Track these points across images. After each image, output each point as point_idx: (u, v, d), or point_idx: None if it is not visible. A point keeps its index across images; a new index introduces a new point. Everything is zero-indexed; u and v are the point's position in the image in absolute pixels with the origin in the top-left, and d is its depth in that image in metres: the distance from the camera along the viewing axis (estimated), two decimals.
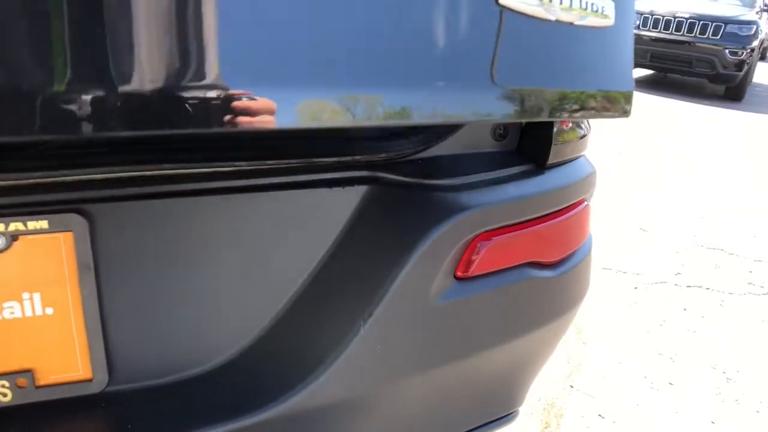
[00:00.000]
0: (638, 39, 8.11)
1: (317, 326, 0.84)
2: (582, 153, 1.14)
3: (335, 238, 0.86)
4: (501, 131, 1.02)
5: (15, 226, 0.69)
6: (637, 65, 8.32)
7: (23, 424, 0.73)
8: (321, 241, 0.86)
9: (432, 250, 0.85)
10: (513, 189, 0.94)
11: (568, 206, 1.04)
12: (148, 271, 0.77)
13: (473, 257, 0.91)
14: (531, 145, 1.02)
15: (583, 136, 1.11)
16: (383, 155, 0.88)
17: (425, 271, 0.85)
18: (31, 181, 0.70)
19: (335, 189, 0.84)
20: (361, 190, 0.86)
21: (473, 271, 0.91)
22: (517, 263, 0.97)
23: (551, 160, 1.01)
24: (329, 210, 0.85)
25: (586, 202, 1.11)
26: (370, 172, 0.87)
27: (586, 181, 1.10)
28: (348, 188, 0.85)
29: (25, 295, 0.71)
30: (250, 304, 0.84)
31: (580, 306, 1.16)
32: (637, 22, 8.34)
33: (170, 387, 0.80)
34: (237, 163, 0.79)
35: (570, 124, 1.06)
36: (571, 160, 1.08)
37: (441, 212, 0.86)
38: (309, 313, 0.85)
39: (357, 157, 0.87)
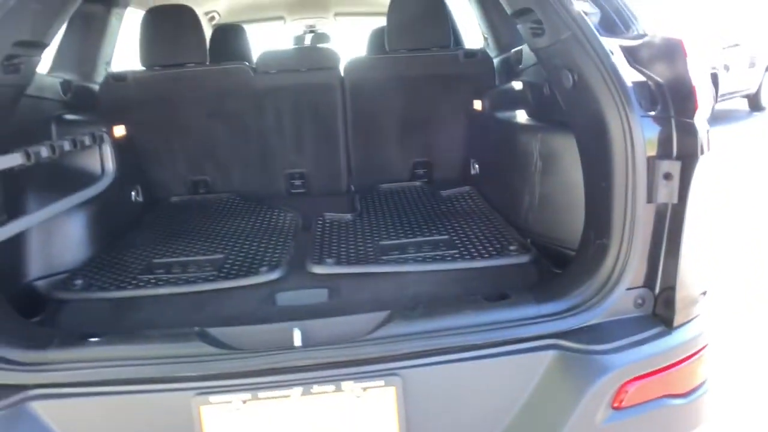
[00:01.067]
0: None
1: None
2: (703, 312, 1.57)
3: (531, 388, 1.38)
4: (640, 301, 1.49)
5: (366, 384, 1.30)
6: None
7: None
8: (522, 389, 1.39)
9: (598, 392, 1.35)
10: (650, 348, 1.41)
11: (693, 353, 1.48)
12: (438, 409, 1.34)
13: (624, 395, 1.39)
14: (663, 311, 1.48)
15: (701, 301, 1.54)
16: (565, 328, 1.40)
17: (594, 405, 1.35)
18: (376, 356, 1.31)
19: (536, 353, 1.37)
20: (550, 354, 1.38)
21: (625, 404, 1.39)
22: (656, 396, 1.43)
23: (678, 323, 1.46)
24: (529, 367, 1.38)
25: (707, 346, 1.54)
26: (555, 340, 1.39)
27: (707, 332, 1.53)
28: (542, 353, 1.38)
29: (372, 427, 1.31)
30: None
31: (707, 421, 1.57)
32: None
33: None
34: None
35: (691, 293, 1.50)
36: (694, 318, 1.52)
37: (602, 368, 1.36)
38: None
39: (549, 332, 1.39)
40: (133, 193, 2.59)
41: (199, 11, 4.03)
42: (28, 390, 1.33)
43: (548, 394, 1.38)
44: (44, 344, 1.39)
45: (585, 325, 1.43)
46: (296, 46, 4.12)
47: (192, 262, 1.96)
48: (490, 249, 1.87)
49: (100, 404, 1.35)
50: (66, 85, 2.33)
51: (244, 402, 1.31)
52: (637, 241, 1.42)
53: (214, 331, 1.43)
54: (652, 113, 1.43)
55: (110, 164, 2.28)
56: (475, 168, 2.73)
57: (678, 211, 1.41)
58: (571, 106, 1.65)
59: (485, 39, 3.02)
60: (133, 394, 1.34)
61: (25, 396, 1.33)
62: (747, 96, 10.85)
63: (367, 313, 1.47)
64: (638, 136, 1.38)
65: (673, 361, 1.44)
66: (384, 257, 1.85)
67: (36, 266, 1.92)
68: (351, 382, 1.30)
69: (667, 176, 1.39)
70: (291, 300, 1.68)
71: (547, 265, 1.82)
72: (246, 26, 4.48)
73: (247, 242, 2.12)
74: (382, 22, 4.96)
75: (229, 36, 3.95)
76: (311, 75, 2.71)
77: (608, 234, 1.46)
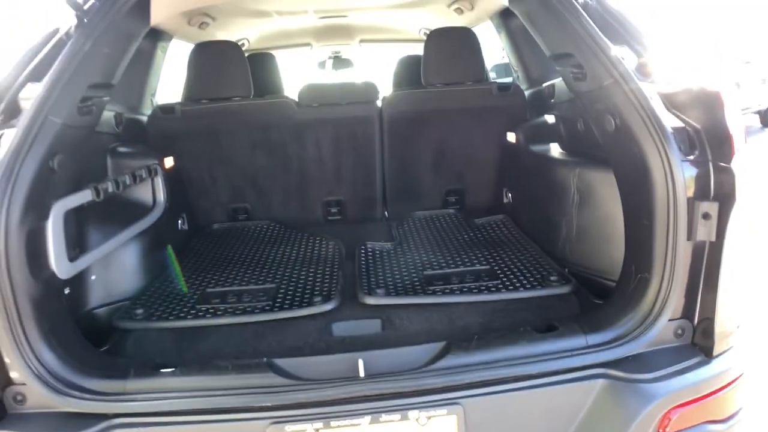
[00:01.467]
0: None
1: None
2: (739, 342, 1.66)
3: (582, 414, 1.48)
4: (680, 332, 1.59)
5: (430, 412, 1.40)
6: None
7: None
8: (574, 415, 1.48)
9: (646, 419, 1.44)
10: (692, 376, 1.51)
11: (731, 381, 1.57)
12: None
13: (668, 422, 1.48)
14: (701, 340, 1.58)
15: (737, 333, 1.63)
16: (612, 358, 1.50)
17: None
18: (439, 386, 1.41)
19: (586, 382, 1.47)
20: (599, 382, 1.48)
21: (670, 430, 1.48)
22: (698, 423, 1.52)
23: (716, 352, 1.56)
24: (579, 395, 1.48)
25: (743, 374, 1.63)
26: (603, 370, 1.49)
27: (743, 361, 1.62)
28: (592, 381, 1.47)
29: None
30: None
31: None
32: None
33: None
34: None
35: (728, 324, 1.59)
36: (731, 348, 1.61)
37: (648, 397, 1.46)
38: None
39: (597, 361, 1.49)
40: (179, 221, 2.72)
41: (232, 39, 4.21)
42: (110, 419, 1.44)
43: (599, 421, 1.47)
44: (122, 375, 1.50)
45: (630, 354, 1.53)
46: (338, 83, 4.28)
47: (246, 292, 2.07)
48: (532, 280, 1.97)
49: None
50: (118, 117, 2.46)
51: (317, 430, 1.41)
52: (677, 275, 1.52)
53: (281, 362, 1.54)
54: (691, 157, 1.53)
55: (161, 195, 2.41)
56: (508, 197, 2.84)
57: (716, 248, 1.51)
58: (612, 147, 1.76)
59: (515, 72, 3.14)
60: (209, 423, 1.44)
61: (109, 424, 1.43)
62: (758, 112, 11.16)
63: (424, 345, 1.57)
64: (679, 179, 1.49)
65: (714, 389, 1.53)
66: (430, 288, 1.96)
67: (96, 295, 2.03)
68: (416, 411, 1.40)
69: (706, 216, 1.50)
70: (347, 330, 1.79)
71: (587, 295, 1.91)
72: (273, 51, 4.66)
73: (296, 271, 2.23)
74: (404, 48, 5.13)
75: (261, 64, 4.11)
76: (351, 108, 2.82)
77: (650, 268, 1.56)
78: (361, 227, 2.88)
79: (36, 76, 1.64)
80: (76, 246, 1.80)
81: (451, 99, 2.80)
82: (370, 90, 2.90)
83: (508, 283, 1.96)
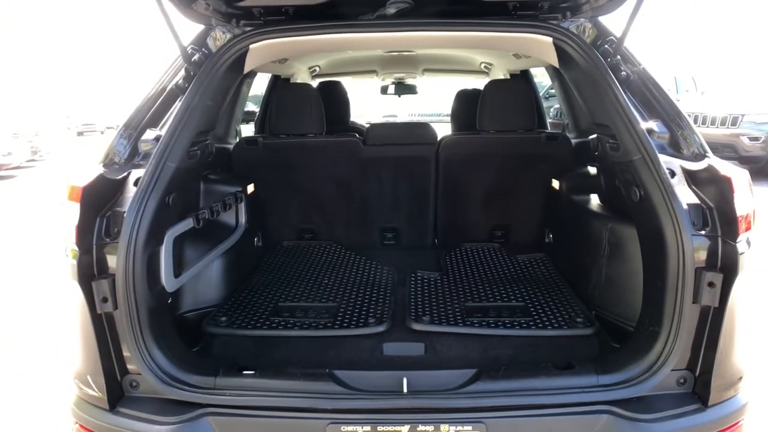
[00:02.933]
0: None
1: None
2: (738, 393, 1.88)
3: None
4: (682, 381, 1.83)
5: (459, 427, 1.71)
6: None
7: None
8: None
9: None
10: (687, 421, 1.75)
11: (725, 428, 1.80)
12: None
13: None
14: (701, 390, 1.81)
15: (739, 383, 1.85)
16: (618, 398, 1.76)
17: None
18: (467, 407, 1.72)
19: (593, 416, 1.74)
20: (604, 417, 1.74)
21: None
22: None
23: (712, 402, 1.79)
24: (586, 427, 1.75)
25: (740, 422, 1.85)
26: (609, 407, 1.75)
27: (740, 411, 1.84)
28: (598, 416, 1.74)
29: None
30: None
31: None
32: None
33: None
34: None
35: (727, 378, 1.82)
36: (729, 399, 1.84)
37: None
38: None
39: (605, 399, 1.76)
40: (255, 239, 3.12)
41: (303, 67, 4.63)
42: (203, 407, 1.80)
43: None
44: (212, 372, 1.86)
45: (635, 396, 1.78)
46: (401, 122, 4.69)
47: (311, 308, 2.43)
48: (560, 319, 2.25)
49: (254, 425, 1.79)
50: (209, 147, 2.85)
51: None
52: (682, 332, 1.76)
53: (340, 373, 1.88)
54: (703, 232, 1.78)
55: (243, 218, 2.81)
56: (549, 237, 3.11)
57: (718, 313, 1.75)
58: (636, 214, 2.02)
59: (564, 121, 3.40)
60: (280, 419, 1.78)
61: (202, 412, 1.80)
62: None
63: (459, 370, 1.88)
64: (689, 251, 1.73)
65: None
66: (470, 319, 2.26)
67: (188, 301, 2.44)
68: (447, 425, 1.71)
69: (711, 284, 1.73)
70: (395, 351, 2.11)
71: (607, 338, 2.17)
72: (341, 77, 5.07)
73: (354, 292, 2.58)
74: (464, 80, 5.44)
75: (332, 92, 4.52)
76: (411, 149, 3.18)
77: (660, 323, 1.81)
78: (412, 254, 3.21)
79: (152, 122, 2.04)
80: (178, 264, 2.19)
81: (502, 145, 3.10)
82: (429, 133, 3.24)
83: (539, 321, 2.24)
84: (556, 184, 2.98)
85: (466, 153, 3.18)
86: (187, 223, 2.19)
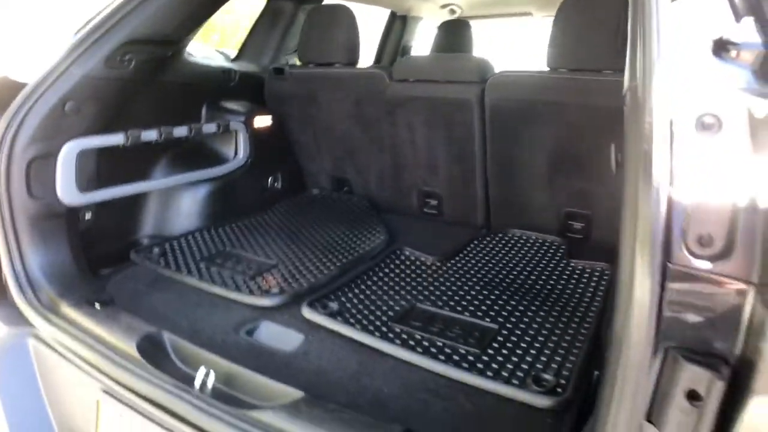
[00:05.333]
0: None
1: None
2: None
3: None
4: None
5: None
6: None
7: None
8: None
9: None
10: None
11: None
12: None
13: None
14: None
15: None
16: None
17: None
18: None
19: None
20: None
21: None
22: None
23: None
24: None
25: None
26: None
27: None
28: None
29: None
30: None
31: None
32: None
33: None
34: None
35: None
36: None
37: None
38: None
39: None
40: (270, 179, 2.81)
41: (434, 5, 4.03)
42: (32, 328, 1.66)
43: None
44: (72, 299, 1.71)
45: None
46: (439, 53, 3.73)
47: (252, 261, 2.06)
48: (521, 371, 1.43)
49: (60, 363, 1.60)
50: (227, 73, 2.58)
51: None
52: None
53: (172, 339, 1.54)
54: None
55: (243, 151, 2.52)
56: None
57: None
58: None
59: None
60: (84, 366, 1.53)
61: (31, 332, 1.66)
62: None
63: (283, 385, 1.35)
64: None
65: None
66: (393, 325, 1.63)
67: (145, 227, 2.28)
68: None
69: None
70: (262, 334, 1.64)
71: None
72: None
73: (307, 256, 2.14)
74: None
75: (454, 31, 3.88)
76: (450, 88, 2.36)
77: None
78: (451, 231, 2.54)
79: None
80: (94, 179, 1.98)
81: (578, 91, 2.08)
82: (471, 67, 2.35)
83: (490, 365, 1.45)
84: None
85: (522, 98, 2.23)
86: (108, 139, 1.98)
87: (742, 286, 0.76)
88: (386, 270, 2.05)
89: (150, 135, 2.08)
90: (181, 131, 2.20)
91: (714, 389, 0.75)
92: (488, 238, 2.43)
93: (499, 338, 1.58)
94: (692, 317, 0.79)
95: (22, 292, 1.72)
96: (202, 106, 2.45)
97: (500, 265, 2.16)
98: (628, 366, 0.82)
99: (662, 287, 0.78)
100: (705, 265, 0.77)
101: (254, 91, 2.77)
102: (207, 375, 1.37)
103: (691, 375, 0.76)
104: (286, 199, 2.85)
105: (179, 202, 2.35)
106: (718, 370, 0.75)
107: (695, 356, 0.77)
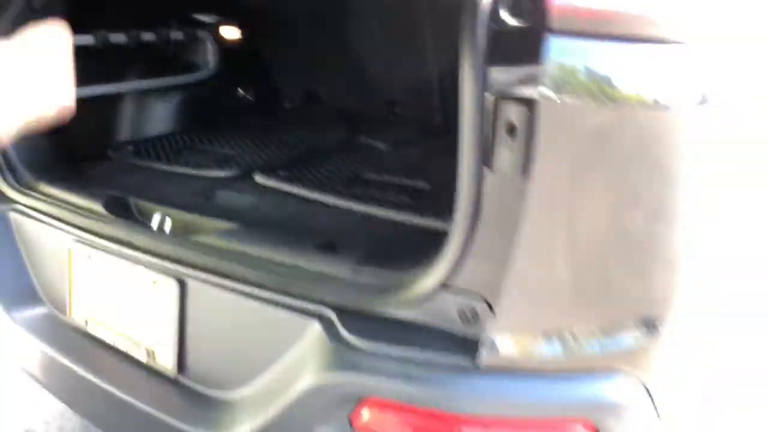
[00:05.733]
0: None
1: None
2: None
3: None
4: (468, 315, 1.15)
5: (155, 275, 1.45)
6: None
7: None
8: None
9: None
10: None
11: None
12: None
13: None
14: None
15: None
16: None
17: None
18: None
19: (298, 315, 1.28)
20: (313, 325, 1.26)
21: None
22: None
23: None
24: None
25: None
26: (328, 312, 1.26)
27: None
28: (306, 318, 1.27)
29: None
30: None
31: None
32: None
33: None
34: None
35: None
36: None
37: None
38: None
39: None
40: (240, 90, 2.91)
41: None
42: (13, 203, 1.83)
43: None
44: (51, 178, 1.85)
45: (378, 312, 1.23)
46: None
47: (218, 152, 2.22)
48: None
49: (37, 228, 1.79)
50: None
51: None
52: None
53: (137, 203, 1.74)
54: None
55: (211, 60, 2.63)
56: None
57: None
58: None
59: None
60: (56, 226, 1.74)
61: (10, 207, 1.83)
62: None
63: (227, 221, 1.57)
64: None
65: None
66: (346, 189, 1.81)
67: (123, 130, 2.40)
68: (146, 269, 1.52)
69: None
70: (222, 197, 1.83)
71: None
72: None
73: (267, 148, 2.27)
74: None
75: None
76: None
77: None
78: (413, 135, 2.56)
79: None
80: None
81: None
82: None
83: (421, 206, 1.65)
84: None
85: None
86: (79, 39, 2.08)
87: None
88: (341, 154, 2.21)
89: (119, 38, 2.18)
90: (149, 36, 2.31)
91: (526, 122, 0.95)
92: None
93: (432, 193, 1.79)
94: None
95: (3, 176, 1.86)
96: (171, 16, 2.51)
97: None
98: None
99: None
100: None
101: (223, 2, 2.77)
102: (163, 220, 1.59)
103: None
104: (258, 109, 2.96)
105: (153, 110, 2.48)
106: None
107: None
